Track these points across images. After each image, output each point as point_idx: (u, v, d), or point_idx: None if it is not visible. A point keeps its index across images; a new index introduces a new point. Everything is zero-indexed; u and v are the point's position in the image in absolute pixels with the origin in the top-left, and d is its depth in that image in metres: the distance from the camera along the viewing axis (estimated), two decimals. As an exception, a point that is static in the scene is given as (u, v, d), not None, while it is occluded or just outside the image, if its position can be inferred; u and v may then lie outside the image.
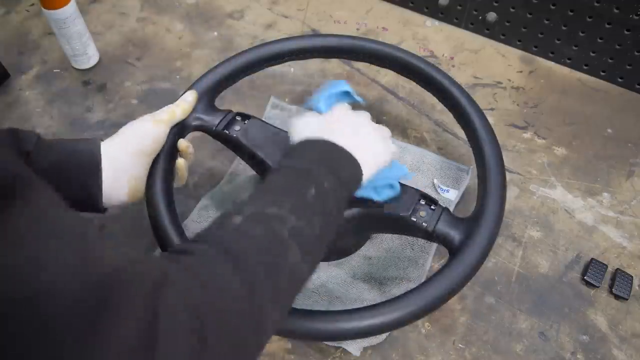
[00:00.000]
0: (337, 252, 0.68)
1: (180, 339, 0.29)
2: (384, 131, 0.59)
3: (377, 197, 0.57)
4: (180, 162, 0.63)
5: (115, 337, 0.27)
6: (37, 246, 0.27)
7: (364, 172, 0.51)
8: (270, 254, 0.39)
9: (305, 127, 0.55)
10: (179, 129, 0.64)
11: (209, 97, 0.68)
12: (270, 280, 0.37)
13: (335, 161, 0.49)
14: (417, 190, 0.61)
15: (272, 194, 0.44)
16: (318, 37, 0.79)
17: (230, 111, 0.68)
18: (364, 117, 0.58)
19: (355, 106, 0.61)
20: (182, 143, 0.63)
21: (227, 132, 0.66)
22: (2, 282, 0.25)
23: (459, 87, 0.68)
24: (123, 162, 0.57)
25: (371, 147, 0.54)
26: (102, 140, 0.57)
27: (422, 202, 0.60)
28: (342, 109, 0.58)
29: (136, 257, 0.32)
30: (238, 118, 0.67)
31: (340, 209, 0.50)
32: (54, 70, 0.91)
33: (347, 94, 0.61)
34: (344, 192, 0.49)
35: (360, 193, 0.55)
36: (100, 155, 0.54)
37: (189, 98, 0.65)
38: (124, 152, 0.57)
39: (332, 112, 0.57)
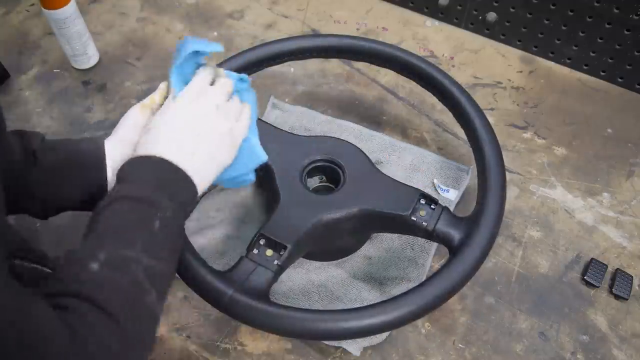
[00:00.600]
0: (337, 252, 0.69)
1: None
2: (231, 114, 0.52)
3: (234, 186, 0.55)
4: None
5: None
6: None
7: (199, 187, 0.48)
8: (134, 300, 0.40)
9: (132, 130, 0.52)
10: None
11: None
12: (137, 325, 0.39)
13: (172, 184, 0.46)
14: (417, 189, 0.61)
15: (120, 231, 0.42)
16: (319, 37, 0.79)
17: None
18: (210, 100, 0.51)
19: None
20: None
21: None
22: None
23: (459, 87, 0.68)
24: (125, 156, 0.57)
25: (208, 152, 0.49)
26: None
27: (422, 201, 0.60)
28: (183, 99, 0.51)
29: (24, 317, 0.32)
30: None
31: (181, 234, 0.49)
32: (54, 70, 0.91)
33: (197, 53, 0.53)
34: (182, 217, 0.47)
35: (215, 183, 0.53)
36: (104, 153, 0.54)
37: (162, 85, 0.64)
38: (122, 146, 0.57)
39: (166, 108, 0.51)
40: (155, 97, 0.62)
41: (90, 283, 0.38)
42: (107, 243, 0.41)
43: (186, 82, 0.52)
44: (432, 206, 0.59)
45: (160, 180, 0.46)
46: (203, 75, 0.53)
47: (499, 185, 0.60)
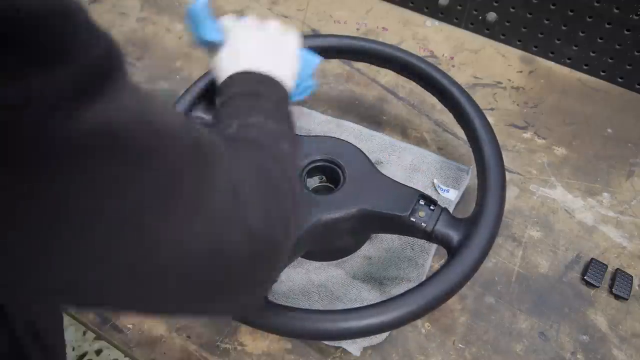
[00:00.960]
0: (336, 252, 0.69)
1: (253, 182, 0.37)
2: (280, 30, 0.57)
3: (301, 96, 0.59)
4: None
5: (218, 179, 0.33)
6: (152, 100, 0.30)
7: (287, 87, 0.53)
8: (271, 145, 0.44)
9: (224, 60, 0.55)
10: None
11: (210, 96, 0.68)
12: (283, 165, 0.43)
13: (269, 84, 0.50)
14: (416, 190, 0.61)
15: (242, 111, 0.46)
16: (319, 37, 0.79)
17: None
18: (264, 24, 0.57)
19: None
20: None
21: None
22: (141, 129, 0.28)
23: (458, 87, 0.68)
24: None
25: (285, 59, 0.55)
26: None
27: (422, 202, 0.60)
28: (243, 29, 0.56)
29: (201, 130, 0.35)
30: None
31: (292, 117, 0.52)
32: (54, 70, 0.91)
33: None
34: (287, 105, 0.51)
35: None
36: None
37: None
38: None
39: (235, 36, 0.55)
40: None
41: (231, 136, 0.43)
42: (232, 118, 0.45)
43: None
44: (431, 207, 0.59)
45: (258, 83, 0.50)
46: (240, 20, 0.58)
47: (498, 186, 0.60)
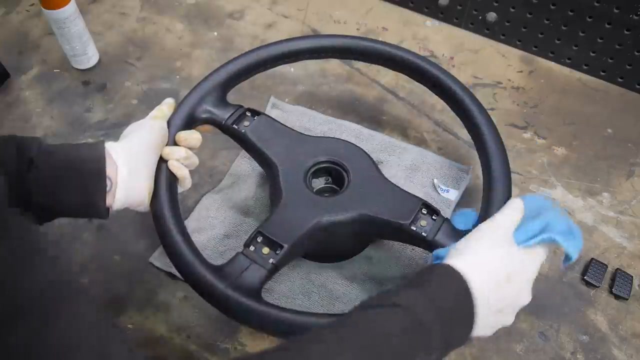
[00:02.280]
0: (337, 256, 0.68)
1: None
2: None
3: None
4: (177, 166, 0.62)
5: None
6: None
7: (476, 332, 0.45)
8: None
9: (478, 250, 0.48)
10: (188, 121, 0.64)
11: (220, 91, 0.68)
12: None
13: (457, 320, 0.43)
14: (419, 198, 0.61)
15: (373, 349, 0.38)
16: (321, 37, 0.79)
17: (241, 106, 0.67)
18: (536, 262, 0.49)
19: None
20: (181, 135, 0.62)
21: (235, 127, 0.66)
22: None
23: (470, 95, 0.67)
24: (138, 159, 0.57)
25: (505, 303, 0.47)
26: (108, 142, 0.56)
27: (424, 211, 0.60)
28: (535, 257, 0.49)
29: None
30: (248, 114, 0.67)
31: None
32: (54, 70, 0.91)
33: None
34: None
35: None
36: (104, 161, 0.53)
37: (170, 100, 0.65)
38: (137, 149, 0.57)
39: (523, 258, 0.48)
40: (163, 108, 0.64)
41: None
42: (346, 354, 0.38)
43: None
44: (433, 217, 0.59)
45: (451, 311, 0.43)
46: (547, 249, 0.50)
47: (503, 200, 0.58)
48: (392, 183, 0.63)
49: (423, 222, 0.59)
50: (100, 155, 0.53)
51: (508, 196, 0.59)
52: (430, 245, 0.58)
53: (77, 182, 0.52)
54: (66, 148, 0.54)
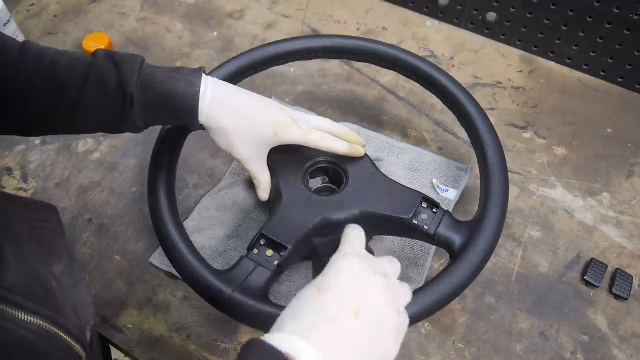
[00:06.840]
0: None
1: None
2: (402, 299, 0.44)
3: None
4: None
5: None
6: None
7: None
8: None
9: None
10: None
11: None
12: None
13: None
14: (419, 193, 0.61)
15: None
16: (321, 37, 0.79)
17: None
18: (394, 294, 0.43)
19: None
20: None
21: None
22: None
23: (465, 91, 0.68)
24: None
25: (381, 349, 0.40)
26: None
27: (424, 205, 0.60)
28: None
29: None
30: None
31: None
32: (54, 70, 0.91)
33: None
34: None
35: None
36: (197, 102, 0.55)
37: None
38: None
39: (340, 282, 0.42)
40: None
41: None
42: None
43: None
44: (434, 210, 0.59)
45: None
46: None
47: (501, 190, 0.59)
48: (390, 179, 0.63)
49: (424, 216, 0.59)
50: (195, 97, 0.55)
51: (506, 196, 0.60)
52: (432, 238, 0.58)
53: (172, 116, 0.56)
54: (163, 83, 0.54)
